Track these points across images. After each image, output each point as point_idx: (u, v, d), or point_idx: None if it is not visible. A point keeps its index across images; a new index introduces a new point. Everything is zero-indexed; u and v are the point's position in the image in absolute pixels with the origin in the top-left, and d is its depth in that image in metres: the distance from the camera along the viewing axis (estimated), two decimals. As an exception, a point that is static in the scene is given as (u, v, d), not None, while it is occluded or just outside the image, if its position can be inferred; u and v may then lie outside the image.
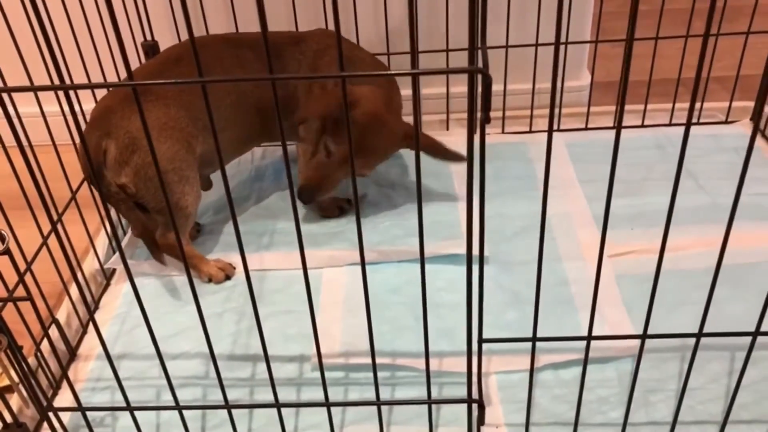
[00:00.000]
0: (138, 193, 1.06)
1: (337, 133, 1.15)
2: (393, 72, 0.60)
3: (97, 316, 1.13)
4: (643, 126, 1.49)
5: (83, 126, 1.07)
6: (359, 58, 1.25)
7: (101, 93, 1.13)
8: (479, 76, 0.55)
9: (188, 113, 1.10)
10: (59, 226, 1.02)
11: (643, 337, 0.75)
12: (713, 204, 1.26)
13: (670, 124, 1.49)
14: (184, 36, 1.40)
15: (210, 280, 1.16)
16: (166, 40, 1.43)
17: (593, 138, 1.48)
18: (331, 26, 1.36)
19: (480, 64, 0.56)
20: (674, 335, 0.78)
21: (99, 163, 1.04)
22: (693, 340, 0.75)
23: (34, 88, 0.61)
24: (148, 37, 1.41)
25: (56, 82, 0.59)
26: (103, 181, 1.05)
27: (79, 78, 1.15)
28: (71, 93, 1.08)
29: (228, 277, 1.17)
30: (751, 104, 1.49)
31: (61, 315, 1.08)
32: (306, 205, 1.25)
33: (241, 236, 0.69)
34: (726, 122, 1.50)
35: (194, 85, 0.61)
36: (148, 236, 1.14)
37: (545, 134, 1.51)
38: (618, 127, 0.62)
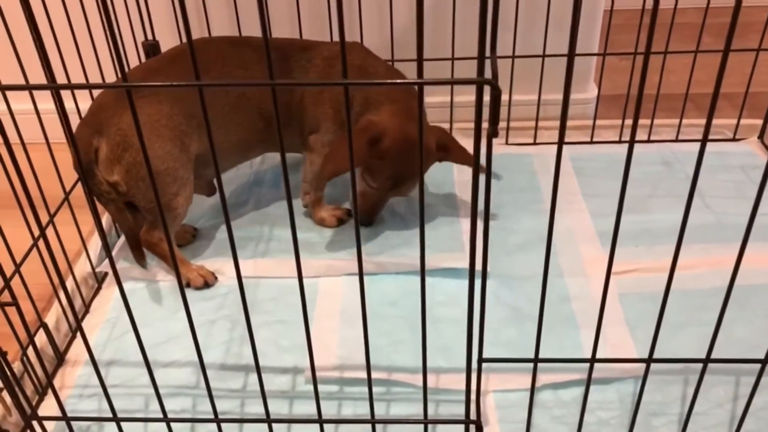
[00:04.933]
0: (129, 191, 1.04)
1: (372, 171, 1.15)
2: (397, 81, 0.57)
3: (88, 320, 1.10)
4: (649, 141, 1.47)
5: (75, 125, 1.04)
6: (373, 68, 1.18)
7: (98, 92, 1.11)
8: (488, 88, 0.53)
9: (183, 110, 1.07)
10: (51, 227, 1.00)
11: (649, 361, 0.72)
12: (719, 223, 1.23)
13: (676, 140, 1.47)
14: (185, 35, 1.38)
15: (188, 284, 1.14)
16: (167, 40, 1.41)
17: (598, 152, 1.45)
18: (336, 33, 1.34)
19: (489, 75, 0.54)
20: (681, 360, 0.76)
21: (90, 160, 1.02)
22: (698, 363, 0.73)
23: (24, 87, 0.59)
24: (149, 37, 1.39)
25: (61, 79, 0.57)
26: (94, 179, 1.03)
27: (77, 76, 1.13)
28: (69, 92, 1.06)
29: (207, 284, 1.14)
30: (760, 122, 1.47)
31: (51, 319, 1.05)
32: (366, 226, 1.26)
33: (237, 242, 0.66)
34: (733, 140, 1.48)
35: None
36: (133, 238, 1.12)
37: (550, 146, 1.49)
38: (631, 141, 0.60)
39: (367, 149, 1.10)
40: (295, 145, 1.23)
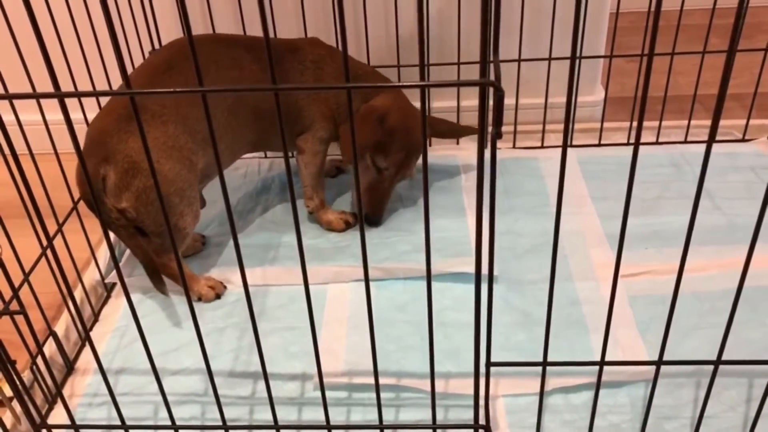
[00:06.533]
0: (138, 217, 1.02)
1: (384, 149, 1.20)
2: (402, 84, 0.57)
3: (97, 328, 1.11)
4: (657, 143, 1.46)
5: (81, 134, 1.03)
6: (361, 69, 1.24)
7: (104, 101, 1.11)
8: (491, 90, 0.53)
9: (186, 128, 1.05)
10: (60, 236, 1.01)
11: (659, 363, 0.72)
12: (729, 224, 1.22)
13: (685, 142, 1.46)
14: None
15: (200, 299, 1.13)
16: (174, 50, 1.41)
17: (606, 154, 1.45)
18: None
19: (492, 77, 0.54)
20: (691, 362, 0.75)
21: (98, 189, 1.00)
22: (709, 366, 0.72)
23: (30, 96, 0.60)
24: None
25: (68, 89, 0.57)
26: (103, 207, 1.01)
27: (84, 86, 1.14)
28: (77, 102, 1.06)
29: (218, 296, 1.14)
30: (769, 122, 1.46)
31: (60, 327, 1.05)
32: (377, 226, 1.29)
33: (246, 249, 0.67)
34: (743, 140, 1.47)
35: (190, 96, 0.58)
36: (151, 265, 1.09)
37: (557, 150, 1.48)
38: (636, 143, 0.59)
39: (378, 127, 1.19)
40: (289, 142, 1.24)
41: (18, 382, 0.79)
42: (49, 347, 0.99)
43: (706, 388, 0.74)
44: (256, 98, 1.15)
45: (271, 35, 1.35)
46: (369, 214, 1.27)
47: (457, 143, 1.53)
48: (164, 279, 1.14)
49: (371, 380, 0.76)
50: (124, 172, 1.00)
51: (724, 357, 0.71)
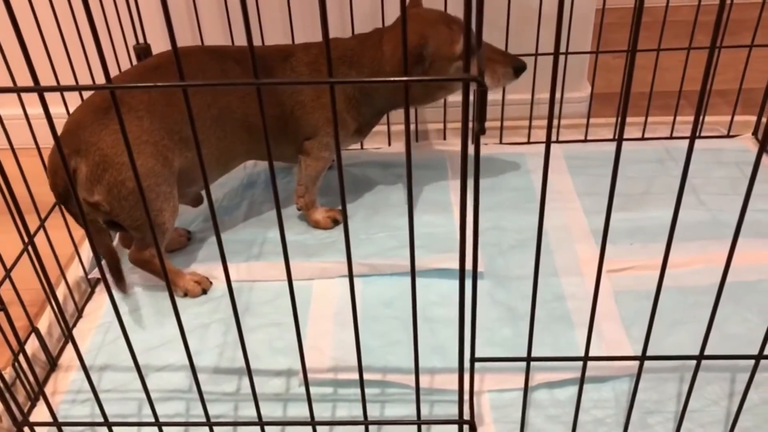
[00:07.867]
0: (112, 211, 1.02)
1: (448, 50, 1.06)
2: (384, 80, 0.57)
3: (81, 325, 1.10)
4: (643, 139, 1.47)
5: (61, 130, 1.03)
6: (350, 50, 1.17)
7: (87, 97, 1.11)
8: (474, 85, 0.52)
9: (163, 125, 1.04)
10: (42, 232, 1.00)
11: (642, 358, 0.72)
12: (714, 219, 1.23)
13: (671, 137, 1.47)
14: (177, 39, 1.37)
15: (186, 295, 1.13)
16: (159, 44, 1.40)
17: (593, 150, 1.45)
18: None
19: (475, 73, 0.53)
20: (674, 357, 0.75)
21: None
22: (693, 360, 0.72)
23: (11, 90, 0.59)
24: (141, 40, 1.38)
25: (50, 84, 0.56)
26: (77, 199, 1.01)
27: (67, 81, 1.12)
28: (59, 97, 1.05)
29: (204, 291, 1.14)
30: (753, 118, 1.47)
31: (43, 324, 1.05)
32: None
33: (231, 245, 0.66)
34: (728, 136, 1.48)
35: (170, 97, 0.58)
36: (113, 262, 1.09)
37: (544, 145, 1.49)
38: (619, 139, 0.59)
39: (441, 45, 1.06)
40: (287, 154, 1.23)
41: (-1, 380, 0.78)
42: (32, 344, 0.98)
43: (689, 383, 0.74)
44: (244, 112, 1.13)
45: (258, 42, 1.34)
46: (517, 67, 1.18)
47: (444, 138, 1.53)
48: (150, 275, 1.14)
49: (357, 376, 0.75)
50: (95, 165, 0.99)
51: (708, 352, 0.71)
